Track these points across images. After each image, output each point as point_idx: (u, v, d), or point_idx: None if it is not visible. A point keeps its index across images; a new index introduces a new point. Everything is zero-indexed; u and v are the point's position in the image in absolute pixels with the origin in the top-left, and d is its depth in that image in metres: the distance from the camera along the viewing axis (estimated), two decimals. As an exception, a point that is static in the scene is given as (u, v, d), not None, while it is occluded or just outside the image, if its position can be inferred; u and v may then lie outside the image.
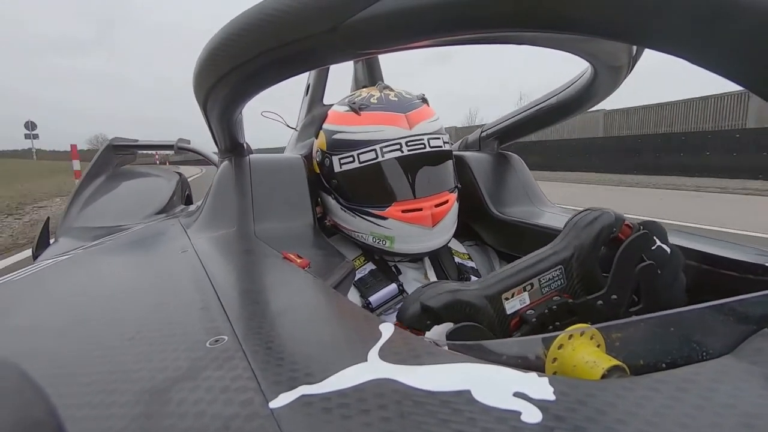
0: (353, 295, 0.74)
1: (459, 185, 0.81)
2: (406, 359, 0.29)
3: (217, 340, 0.34)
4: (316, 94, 1.31)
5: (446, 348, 0.34)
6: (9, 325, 0.45)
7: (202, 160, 1.77)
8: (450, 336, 0.42)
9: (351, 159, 0.74)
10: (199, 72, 0.61)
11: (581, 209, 0.52)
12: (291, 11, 0.40)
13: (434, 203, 0.74)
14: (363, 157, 0.73)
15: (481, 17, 0.34)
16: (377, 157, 0.72)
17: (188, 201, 1.79)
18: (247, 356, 0.31)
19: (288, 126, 1.29)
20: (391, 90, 0.81)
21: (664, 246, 0.49)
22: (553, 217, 0.89)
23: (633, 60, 0.71)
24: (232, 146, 0.90)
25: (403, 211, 0.73)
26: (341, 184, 0.77)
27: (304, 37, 0.41)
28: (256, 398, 0.26)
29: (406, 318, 0.44)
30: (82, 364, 0.34)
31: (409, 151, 0.72)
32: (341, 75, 1.36)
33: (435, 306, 0.43)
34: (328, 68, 1.32)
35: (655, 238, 0.49)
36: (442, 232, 0.76)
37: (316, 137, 0.83)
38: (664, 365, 0.32)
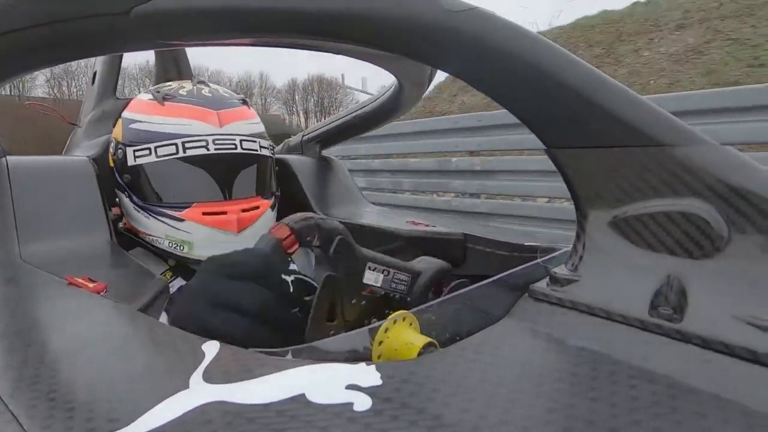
0: (162, 318, 0.65)
1: (278, 192, 0.79)
2: (235, 376, 0.27)
3: None
4: (106, 85, 1.09)
5: (278, 356, 0.33)
6: None
7: None
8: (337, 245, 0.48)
9: (147, 152, 0.67)
10: None
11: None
12: None
13: (241, 207, 0.69)
14: (161, 151, 0.66)
15: (276, 24, 0.34)
16: (177, 152, 0.66)
17: None
18: (16, 416, 0.24)
19: (68, 122, 1.05)
20: (207, 85, 0.75)
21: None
22: (372, 216, 0.96)
23: (429, 78, 0.83)
24: None
25: (204, 214, 0.67)
26: (135, 180, 0.69)
27: (89, 16, 0.34)
28: None
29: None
30: None
31: (216, 149, 0.67)
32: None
33: (328, 227, 0.50)
34: (121, 56, 1.12)
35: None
36: (250, 240, 0.72)
37: (114, 126, 0.74)
38: (459, 336, 0.38)
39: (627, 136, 0.32)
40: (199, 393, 0.26)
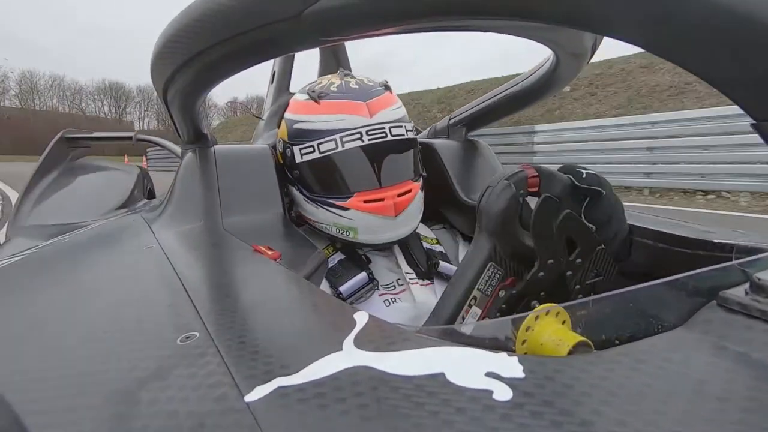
0: (323, 286, 0.74)
1: (424, 173, 0.82)
2: (381, 346, 0.30)
3: (188, 337, 0.33)
4: (282, 82, 1.28)
5: (420, 333, 0.34)
6: None
7: None
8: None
9: (311, 149, 0.74)
10: (157, 59, 0.59)
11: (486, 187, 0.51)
12: None
13: (397, 192, 0.74)
14: (323, 147, 0.73)
15: (445, 4, 0.34)
16: (337, 147, 0.72)
17: (150, 195, 1.73)
18: (220, 351, 0.31)
19: (255, 116, 1.26)
20: (352, 77, 0.80)
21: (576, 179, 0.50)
22: None
23: (593, 48, 0.73)
24: (196, 137, 0.87)
25: (365, 202, 0.73)
26: (303, 175, 0.77)
27: (267, 24, 0.40)
28: (230, 393, 0.26)
29: None
30: (43, 369, 0.32)
31: (369, 140, 0.72)
32: (312, 61, 1.33)
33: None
34: (294, 55, 1.29)
35: (568, 177, 0.49)
36: (406, 222, 0.76)
37: (279, 126, 0.83)
38: (618, 340, 0.34)
39: None
40: (350, 356, 0.29)
